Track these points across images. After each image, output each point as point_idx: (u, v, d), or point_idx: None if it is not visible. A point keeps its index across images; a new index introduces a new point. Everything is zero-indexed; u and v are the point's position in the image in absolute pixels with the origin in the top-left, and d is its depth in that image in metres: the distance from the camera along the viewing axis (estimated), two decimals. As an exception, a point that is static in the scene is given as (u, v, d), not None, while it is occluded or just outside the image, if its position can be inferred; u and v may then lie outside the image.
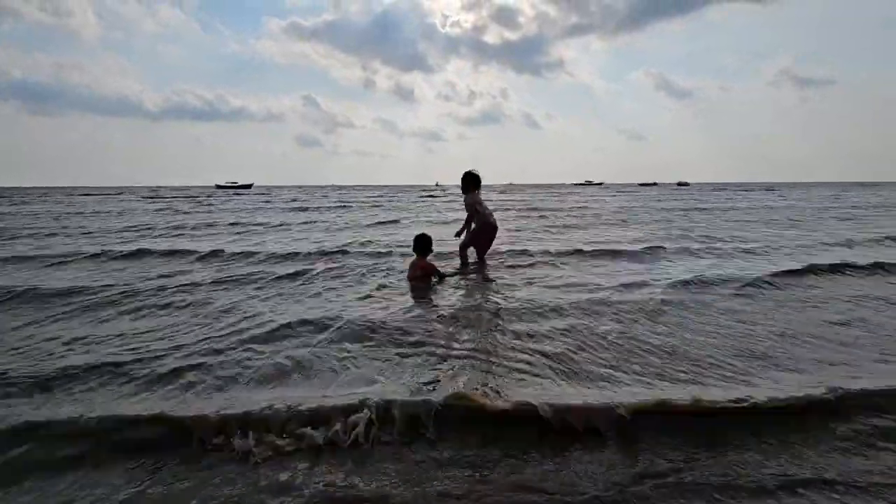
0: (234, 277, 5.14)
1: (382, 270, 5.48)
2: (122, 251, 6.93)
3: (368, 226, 12.12)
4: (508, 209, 18.39)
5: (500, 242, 6.40)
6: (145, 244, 7.97)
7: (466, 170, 5.58)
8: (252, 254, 6.76)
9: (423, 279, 4.75)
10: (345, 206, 21.29)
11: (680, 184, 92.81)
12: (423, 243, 4.92)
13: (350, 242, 8.00)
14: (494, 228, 5.56)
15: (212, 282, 4.95)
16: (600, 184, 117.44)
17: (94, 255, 6.69)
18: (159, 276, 5.29)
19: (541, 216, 14.72)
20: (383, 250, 6.93)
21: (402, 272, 5.19)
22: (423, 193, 41.94)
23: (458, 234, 5.88)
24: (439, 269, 4.92)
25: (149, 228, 11.39)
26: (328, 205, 22.85)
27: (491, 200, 24.50)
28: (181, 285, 4.77)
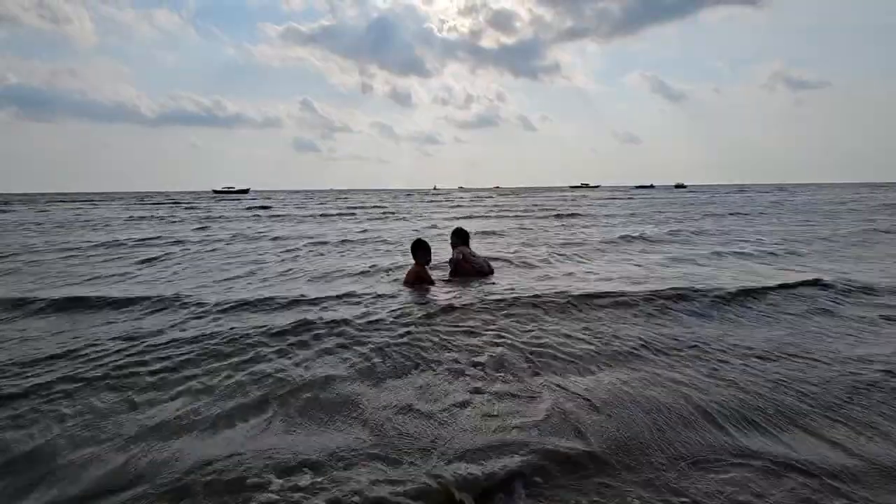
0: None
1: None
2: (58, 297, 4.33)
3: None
4: (521, 217, 17.12)
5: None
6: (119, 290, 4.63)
7: (456, 226, 5.60)
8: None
9: (420, 286, 4.68)
10: (357, 214, 20.41)
11: (678, 186, 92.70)
12: (421, 249, 4.82)
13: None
14: (485, 275, 5.29)
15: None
16: (596, 186, 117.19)
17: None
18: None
19: (571, 225, 13.77)
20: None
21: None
22: (428, 198, 41.30)
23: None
24: (434, 278, 4.86)
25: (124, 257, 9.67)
26: (339, 211, 21.88)
27: (487, 206, 22.79)
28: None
